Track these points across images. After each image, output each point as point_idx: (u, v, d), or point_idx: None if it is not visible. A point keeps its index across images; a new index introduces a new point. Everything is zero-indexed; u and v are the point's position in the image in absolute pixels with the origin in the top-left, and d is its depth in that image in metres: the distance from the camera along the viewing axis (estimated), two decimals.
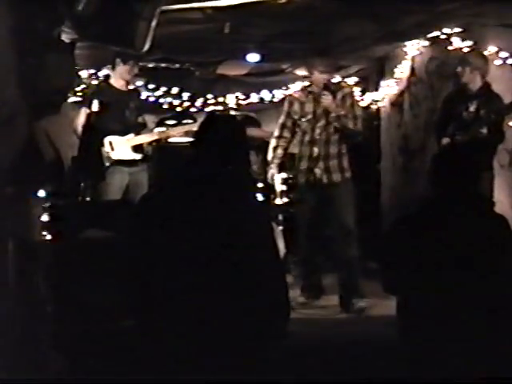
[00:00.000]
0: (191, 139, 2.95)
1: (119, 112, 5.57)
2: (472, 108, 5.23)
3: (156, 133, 5.76)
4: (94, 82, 6.35)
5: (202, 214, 2.68)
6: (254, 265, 2.66)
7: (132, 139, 5.58)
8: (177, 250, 2.66)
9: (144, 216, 2.83)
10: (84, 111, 5.46)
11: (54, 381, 3.11)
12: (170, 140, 5.81)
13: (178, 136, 5.81)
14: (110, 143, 5.53)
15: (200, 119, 7.94)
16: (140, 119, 5.72)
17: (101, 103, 5.41)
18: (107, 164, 5.49)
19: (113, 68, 5.61)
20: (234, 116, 3.50)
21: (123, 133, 5.55)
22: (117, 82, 5.61)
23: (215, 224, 2.66)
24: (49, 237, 3.89)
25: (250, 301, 2.63)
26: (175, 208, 2.73)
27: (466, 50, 5.72)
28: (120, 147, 5.54)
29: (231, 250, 2.64)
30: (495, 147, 5.28)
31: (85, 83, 6.27)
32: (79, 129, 5.43)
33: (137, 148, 5.58)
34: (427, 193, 3.17)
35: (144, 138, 5.66)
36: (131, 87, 5.74)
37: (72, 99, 5.81)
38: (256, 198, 3.67)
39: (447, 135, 5.30)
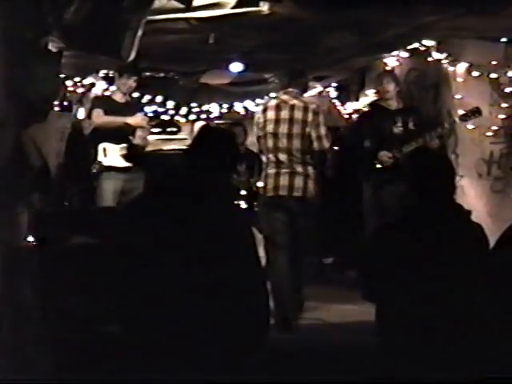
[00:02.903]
0: (182, 147, 3.04)
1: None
2: (399, 123, 5.49)
3: (149, 143, 5.88)
4: (80, 90, 6.42)
5: (185, 220, 2.73)
6: (235, 272, 2.71)
7: (125, 148, 5.68)
8: (160, 256, 2.71)
9: (128, 222, 2.89)
10: (98, 110, 5.63)
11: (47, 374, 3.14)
12: (162, 148, 5.93)
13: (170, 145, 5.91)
14: (104, 150, 5.64)
15: (184, 127, 8.05)
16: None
17: (88, 111, 5.52)
18: (97, 170, 5.59)
19: (113, 81, 5.76)
20: (226, 129, 3.58)
21: (119, 141, 5.64)
22: (117, 95, 5.79)
23: (197, 230, 2.71)
24: (35, 243, 3.92)
25: (230, 307, 2.68)
26: (159, 215, 2.78)
27: (444, 62, 5.88)
28: (112, 154, 5.63)
29: (213, 257, 2.69)
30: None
31: (70, 91, 6.33)
32: (102, 120, 5.64)
33: (128, 156, 5.67)
34: (406, 202, 3.24)
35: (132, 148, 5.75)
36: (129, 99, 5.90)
37: (58, 107, 5.87)
38: (239, 205, 3.71)
39: (388, 150, 5.47)
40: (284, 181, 4.83)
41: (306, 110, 4.88)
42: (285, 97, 5.02)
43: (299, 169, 4.85)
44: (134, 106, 6.00)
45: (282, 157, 4.88)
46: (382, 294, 3.00)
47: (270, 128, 4.93)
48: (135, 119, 5.71)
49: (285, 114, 4.90)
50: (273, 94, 6.38)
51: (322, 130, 4.89)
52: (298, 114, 4.87)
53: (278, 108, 4.95)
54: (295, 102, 4.95)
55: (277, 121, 4.91)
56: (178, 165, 2.99)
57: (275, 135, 4.90)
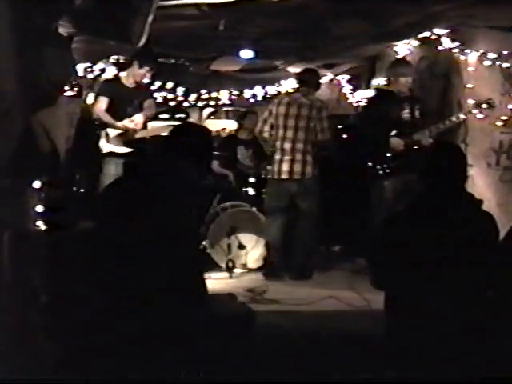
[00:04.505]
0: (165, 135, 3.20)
1: (122, 107, 5.73)
2: (407, 109, 5.59)
3: (149, 129, 5.90)
4: (90, 76, 6.44)
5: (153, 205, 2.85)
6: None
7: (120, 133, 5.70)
8: (137, 241, 2.80)
9: (111, 205, 2.96)
10: (103, 99, 5.68)
11: (48, 373, 3.16)
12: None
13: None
14: (106, 135, 5.67)
15: (193, 114, 8.06)
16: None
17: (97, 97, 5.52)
18: (100, 155, 5.64)
19: (127, 66, 5.77)
20: (203, 127, 3.83)
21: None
22: (127, 80, 5.75)
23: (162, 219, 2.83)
24: (44, 228, 3.93)
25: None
26: (133, 198, 2.90)
27: (455, 50, 5.85)
28: (113, 140, 5.67)
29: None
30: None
31: (81, 77, 6.33)
32: (101, 115, 5.68)
33: (128, 142, 5.69)
34: (416, 190, 3.23)
35: (138, 133, 5.76)
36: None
37: (68, 92, 5.89)
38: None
39: (399, 137, 5.52)
40: (286, 166, 5.77)
41: (311, 107, 5.78)
42: (296, 95, 5.97)
43: (299, 157, 5.76)
44: (145, 91, 6.00)
45: (287, 146, 5.79)
46: (391, 282, 3.01)
47: (280, 121, 5.82)
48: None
49: (293, 110, 5.81)
50: (285, 87, 7.84)
51: (325, 124, 5.80)
52: (304, 111, 5.79)
53: (288, 104, 5.84)
54: (303, 100, 5.84)
55: (286, 115, 5.81)
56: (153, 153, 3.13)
57: (284, 127, 5.80)
